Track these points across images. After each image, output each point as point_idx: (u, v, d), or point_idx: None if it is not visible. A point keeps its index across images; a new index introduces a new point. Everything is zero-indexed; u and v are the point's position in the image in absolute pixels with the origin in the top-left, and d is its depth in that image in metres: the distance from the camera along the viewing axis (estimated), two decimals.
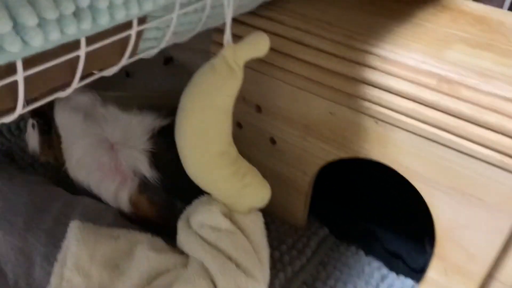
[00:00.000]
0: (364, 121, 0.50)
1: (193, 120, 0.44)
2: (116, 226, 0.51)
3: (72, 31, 0.27)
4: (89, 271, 0.44)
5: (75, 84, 0.35)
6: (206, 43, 1.01)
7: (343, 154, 0.54)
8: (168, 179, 0.54)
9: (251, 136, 0.61)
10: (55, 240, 0.49)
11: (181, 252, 0.48)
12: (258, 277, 0.45)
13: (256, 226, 0.50)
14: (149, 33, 0.40)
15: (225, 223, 0.47)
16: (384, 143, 0.49)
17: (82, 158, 0.57)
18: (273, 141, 0.60)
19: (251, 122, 0.60)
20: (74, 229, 0.46)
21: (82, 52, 0.33)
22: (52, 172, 0.66)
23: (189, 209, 0.51)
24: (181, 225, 0.49)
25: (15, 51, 0.24)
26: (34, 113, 0.61)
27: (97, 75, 0.39)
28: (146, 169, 0.54)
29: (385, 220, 0.62)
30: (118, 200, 0.56)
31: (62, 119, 0.59)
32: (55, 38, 0.26)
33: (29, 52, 0.26)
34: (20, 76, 0.27)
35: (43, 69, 0.30)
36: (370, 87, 0.48)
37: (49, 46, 0.27)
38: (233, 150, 0.48)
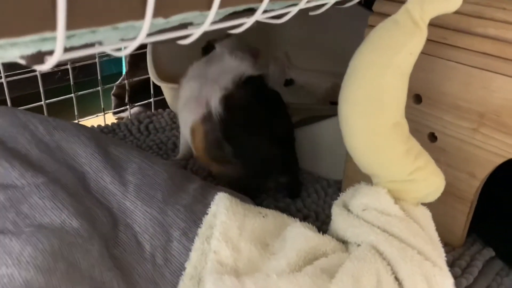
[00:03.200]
0: None
1: (368, 82, 0.39)
2: None
3: None
4: (238, 244, 0.38)
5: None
6: (321, 65, 0.99)
7: None
8: (229, 121, 0.55)
9: None
10: (194, 216, 0.45)
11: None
12: (445, 269, 0.36)
13: (428, 220, 0.41)
14: None
15: (394, 208, 0.40)
16: None
17: (188, 98, 0.60)
18: (433, 138, 0.52)
19: (406, 116, 0.53)
20: (222, 198, 0.41)
21: None
22: None
23: (344, 195, 0.44)
24: (337, 210, 0.42)
25: None
26: None
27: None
28: (215, 103, 0.56)
29: None
30: (189, 129, 0.59)
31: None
32: None
33: None
34: None
35: None
36: None
37: None
38: (406, 124, 0.41)
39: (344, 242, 0.41)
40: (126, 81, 0.85)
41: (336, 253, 0.38)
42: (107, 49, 0.27)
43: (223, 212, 0.39)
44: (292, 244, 0.38)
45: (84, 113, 0.84)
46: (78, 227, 0.41)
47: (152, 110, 0.86)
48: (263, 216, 0.41)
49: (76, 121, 0.79)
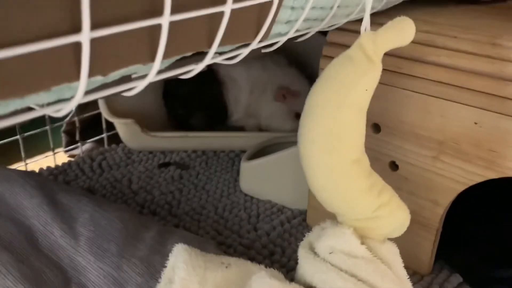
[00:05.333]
0: None
1: (326, 120, 0.37)
2: None
3: None
4: None
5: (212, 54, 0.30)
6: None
7: (491, 175, 0.45)
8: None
9: None
10: (152, 269, 0.42)
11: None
12: None
13: (395, 257, 0.40)
14: (283, 13, 0.35)
15: (361, 249, 0.38)
16: None
17: None
18: (394, 167, 0.52)
19: (366, 145, 0.53)
20: (181, 251, 0.38)
21: (227, 7, 0.28)
22: None
23: (310, 235, 0.42)
24: (303, 253, 0.40)
25: None
26: None
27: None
28: None
29: None
30: None
31: None
32: None
33: None
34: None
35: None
36: None
37: None
38: (367, 160, 0.40)
39: None
40: (76, 118, 0.81)
41: None
42: (48, 111, 0.25)
43: (182, 267, 0.37)
44: None
45: (33, 152, 0.80)
46: None
47: (105, 146, 0.82)
48: (226, 267, 0.39)
49: (23, 163, 0.75)
